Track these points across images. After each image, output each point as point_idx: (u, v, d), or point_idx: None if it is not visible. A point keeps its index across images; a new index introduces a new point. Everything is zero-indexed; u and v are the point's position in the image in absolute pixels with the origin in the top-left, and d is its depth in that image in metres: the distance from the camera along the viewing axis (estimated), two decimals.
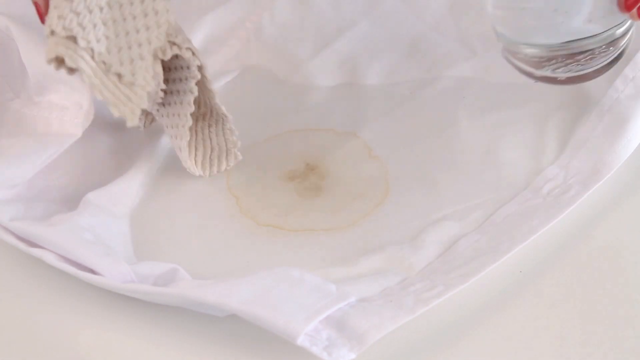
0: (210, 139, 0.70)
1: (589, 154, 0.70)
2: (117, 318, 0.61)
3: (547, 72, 0.66)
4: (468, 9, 0.83)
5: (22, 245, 0.63)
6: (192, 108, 0.67)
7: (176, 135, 0.69)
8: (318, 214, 0.69)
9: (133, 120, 0.62)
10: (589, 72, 0.66)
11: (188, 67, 0.66)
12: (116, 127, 0.75)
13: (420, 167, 0.72)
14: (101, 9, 0.60)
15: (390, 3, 0.84)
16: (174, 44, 0.63)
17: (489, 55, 0.80)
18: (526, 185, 0.69)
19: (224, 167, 0.71)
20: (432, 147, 0.73)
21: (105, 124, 0.74)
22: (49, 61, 0.61)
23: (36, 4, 0.63)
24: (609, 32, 0.64)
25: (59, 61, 0.61)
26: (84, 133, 0.69)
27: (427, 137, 0.74)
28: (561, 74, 0.66)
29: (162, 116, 0.70)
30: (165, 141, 0.74)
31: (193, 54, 0.64)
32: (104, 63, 0.61)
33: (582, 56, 0.65)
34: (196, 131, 0.70)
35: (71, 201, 0.68)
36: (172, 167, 0.72)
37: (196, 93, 0.66)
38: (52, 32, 0.60)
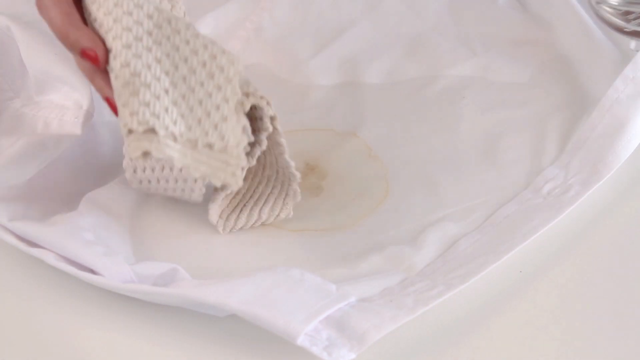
0: (265, 199, 0.66)
1: (589, 154, 0.70)
2: (117, 318, 0.61)
3: (635, 26, 0.65)
4: (468, 9, 0.83)
5: (22, 245, 0.63)
6: (254, 162, 0.63)
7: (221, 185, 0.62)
8: (318, 214, 0.69)
9: (237, 182, 0.59)
10: None
11: (260, 119, 0.62)
12: (116, 127, 0.75)
13: (420, 167, 0.72)
14: (167, 91, 0.60)
15: (390, 3, 0.84)
16: (248, 94, 0.61)
17: (489, 55, 0.80)
18: (526, 185, 0.69)
19: (251, 223, 0.66)
20: (432, 147, 0.73)
21: (105, 124, 0.74)
22: (135, 158, 0.59)
23: (108, 100, 0.63)
24: None
25: (145, 154, 0.60)
26: (84, 133, 0.69)
27: (427, 137, 0.74)
28: None
29: None
30: None
31: (267, 103, 0.62)
32: (190, 141, 0.59)
33: None
34: (249, 189, 0.66)
35: (71, 201, 0.68)
36: None
37: (264, 147, 0.63)
38: (130, 131, 0.59)
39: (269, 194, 0.67)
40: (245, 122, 0.60)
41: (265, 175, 0.67)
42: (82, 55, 0.61)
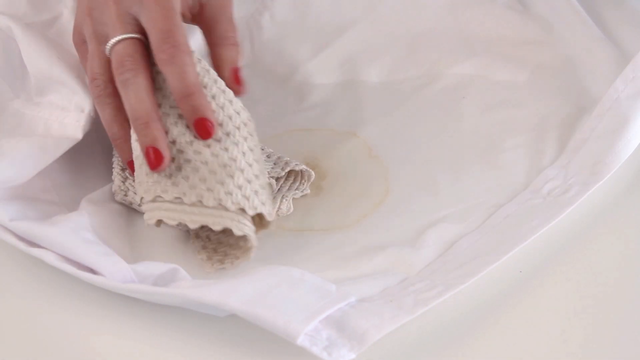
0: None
1: (589, 154, 0.70)
2: (117, 318, 0.61)
3: None
4: (468, 9, 0.83)
5: (22, 245, 0.63)
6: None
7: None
8: (318, 214, 0.69)
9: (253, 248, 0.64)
10: None
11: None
12: None
13: (420, 167, 0.72)
14: (257, 176, 0.64)
15: (390, 3, 0.84)
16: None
17: (489, 55, 0.80)
18: (526, 185, 0.69)
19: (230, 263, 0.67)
20: (432, 147, 0.73)
21: None
22: (242, 235, 0.63)
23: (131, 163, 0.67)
24: None
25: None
26: (84, 134, 0.69)
27: (427, 137, 0.74)
28: None
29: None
30: None
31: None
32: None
33: None
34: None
35: (71, 201, 0.68)
36: None
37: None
38: (226, 208, 0.63)
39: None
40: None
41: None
42: (200, 123, 0.63)
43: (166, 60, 0.63)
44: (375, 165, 0.72)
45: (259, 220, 0.65)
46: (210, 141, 0.64)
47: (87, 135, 0.69)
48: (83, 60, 0.69)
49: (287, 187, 0.69)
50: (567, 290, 0.62)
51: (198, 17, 0.69)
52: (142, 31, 0.66)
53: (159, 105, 0.65)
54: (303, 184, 0.69)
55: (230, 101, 0.65)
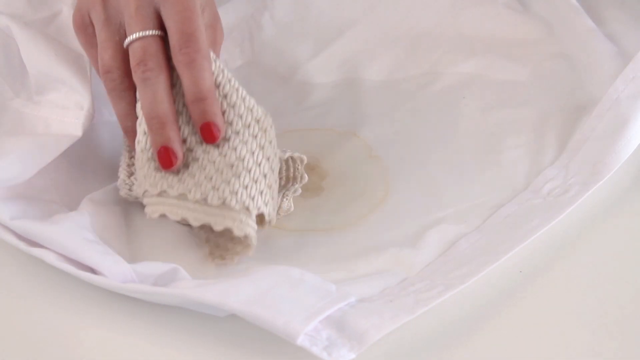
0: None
1: (589, 154, 0.70)
2: (117, 318, 0.61)
3: None
4: (468, 9, 0.83)
5: (22, 245, 0.63)
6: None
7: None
8: (318, 214, 0.69)
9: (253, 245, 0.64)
10: None
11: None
12: (116, 127, 0.75)
13: (420, 167, 0.72)
14: (265, 176, 0.65)
15: (390, 3, 0.84)
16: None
17: (489, 55, 0.80)
18: (526, 185, 0.69)
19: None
20: (432, 147, 0.73)
21: (105, 124, 0.74)
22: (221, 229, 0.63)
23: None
24: None
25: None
26: (84, 133, 0.69)
27: (427, 137, 0.74)
28: None
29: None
30: None
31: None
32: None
33: None
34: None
35: (71, 201, 0.68)
36: None
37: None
38: (229, 208, 0.63)
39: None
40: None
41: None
42: (206, 127, 0.64)
43: (186, 63, 0.64)
44: (375, 165, 0.72)
45: (259, 219, 0.65)
46: (219, 140, 0.64)
47: (87, 134, 0.69)
48: (86, 45, 0.68)
49: (288, 185, 0.69)
50: (567, 290, 0.62)
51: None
52: (161, 26, 0.65)
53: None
54: (300, 176, 0.69)
55: (244, 98, 0.66)
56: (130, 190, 0.68)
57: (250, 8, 0.85)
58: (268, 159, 0.65)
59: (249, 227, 0.63)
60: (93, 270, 0.62)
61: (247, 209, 0.63)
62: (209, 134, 0.64)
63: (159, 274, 0.61)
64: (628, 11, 0.81)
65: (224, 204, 0.63)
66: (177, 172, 0.64)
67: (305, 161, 0.69)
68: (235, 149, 0.64)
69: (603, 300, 0.61)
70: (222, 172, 0.63)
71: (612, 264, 0.64)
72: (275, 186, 0.66)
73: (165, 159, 0.64)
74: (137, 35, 0.64)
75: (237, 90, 0.66)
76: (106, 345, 0.60)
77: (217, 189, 0.63)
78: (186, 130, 0.65)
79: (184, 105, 0.65)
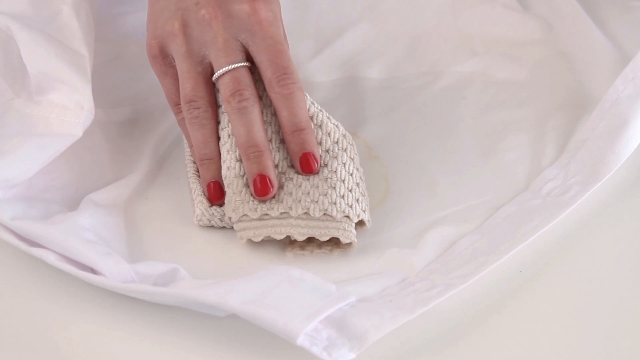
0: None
1: (589, 154, 0.70)
2: (117, 318, 0.61)
3: None
4: (468, 9, 0.83)
5: (22, 245, 0.63)
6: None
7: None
8: None
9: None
10: None
11: None
12: (116, 127, 0.75)
13: (420, 167, 0.72)
14: (357, 183, 0.67)
15: (390, 3, 0.84)
16: None
17: (489, 55, 0.80)
18: (526, 185, 0.69)
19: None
20: (432, 147, 0.73)
21: (105, 124, 0.74)
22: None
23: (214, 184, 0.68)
24: None
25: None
26: (84, 133, 0.69)
27: (427, 137, 0.74)
28: None
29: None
30: (165, 142, 0.74)
31: None
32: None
33: None
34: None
35: (71, 201, 0.68)
36: (173, 167, 0.72)
37: None
38: (332, 218, 0.65)
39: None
40: None
41: None
42: (305, 158, 0.67)
43: (284, 95, 0.66)
44: (375, 165, 0.72)
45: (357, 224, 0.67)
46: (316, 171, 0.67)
47: (87, 134, 0.69)
48: (161, 75, 0.69)
49: None
50: (567, 290, 0.62)
51: None
52: (249, 59, 0.67)
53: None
54: None
55: (329, 117, 0.69)
56: (210, 221, 0.68)
57: None
58: (357, 169, 0.68)
59: (352, 234, 0.65)
60: (93, 271, 0.62)
61: (348, 216, 0.65)
62: (307, 165, 0.66)
63: (159, 274, 0.61)
64: (628, 11, 0.81)
65: (325, 215, 0.64)
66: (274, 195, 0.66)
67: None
68: (326, 165, 0.67)
69: (603, 300, 0.61)
70: (318, 187, 0.66)
71: (612, 264, 0.64)
72: (367, 193, 0.68)
73: (263, 188, 0.65)
74: (228, 67, 0.67)
75: (322, 110, 0.68)
76: (106, 345, 0.60)
77: (317, 202, 0.65)
78: (277, 156, 0.67)
79: (273, 132, 0.67)
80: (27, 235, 0.64)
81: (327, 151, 0.67)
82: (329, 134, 0.68)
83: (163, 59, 0.69)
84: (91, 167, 0.71)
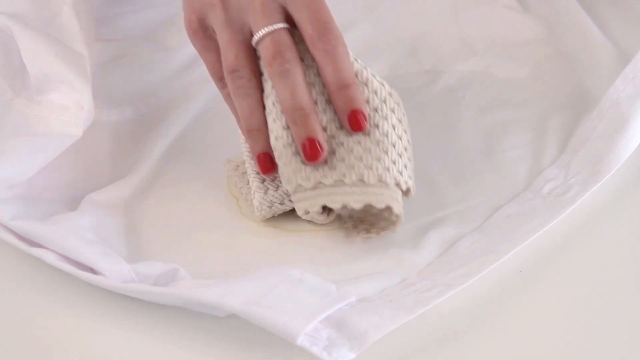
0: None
1: (589, 154, 0.70)
2: (117, 318, 0.61)
3: None
4: (468, 10, 0.83)
5: (22, 245, 0.63)
6: None
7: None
8: None
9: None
10: None
11: None
12: (116, 127, 0.75)
13: (420, 167, 0.72)
14: (406, 149, 0.65)
15: (390, 4, 0.84)
16: None
17: (489, 55, 0.80)
18: (526, 185, 0.69)
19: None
20: (432, 147, 0.73)
21: (105, 125, 0.74)
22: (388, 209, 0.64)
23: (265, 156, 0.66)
24: None
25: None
26: (84, 133, 0.69)
27: (427, 137, 0.74)
28: None
29: None
30: (165, 142, 0.74)
31: None
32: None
33: None
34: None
35: (71, 201, 0.68)
36: (173, 168, 0.72)
37: None
38: (386, 185, 0.64)
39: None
40: None
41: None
42: (353, 115, 0.64)
43: (327, 51, 0.64)
44: None
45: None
46: (365, 129, 0.64)
47: (87, 134, 0.69)
48: (203, 49, 0.67)
49: None
50: (567, 290, 0.62)
51: None
52: (288, 20, 0.65)
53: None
54: None
55: (374, 75, 0.66)
56: (270, 207, 0.67)
57: None
58: (405, 131, 0.66)
59: (400, 204, 0.63)
60: (93, 270, 0.62)
61: (398, 184, 0.64)
62: (355, 123, 0.64)
63: (159, 274, 0.61)
64: (628, 11, 0.81)
65: (379, 182, 0.63)
66: (325, 161, 0.64)
67: None
68: (377, 126, 0.64)
69: (603, 300, 0.61)
70: (370, 151, 0.64)
71: (612, 263, 0.64)
72: (413, 158, 0.66)
73: (313, 152, 0.63)
74: (267, 30, 0.64)
75: (366, 68, 0.66)
76: (106, 345, 0.60)
77: (371, 168, 0.63)
78: (324, 119, 0.64)
79: (318, 93, 0.65)
80: (27, 235, 0.64)
81: (376, 110, 0.65)
82: (376, 92, 0.65)
83: (203, 32, 0.66)
84: (91, 167, 0.71)
